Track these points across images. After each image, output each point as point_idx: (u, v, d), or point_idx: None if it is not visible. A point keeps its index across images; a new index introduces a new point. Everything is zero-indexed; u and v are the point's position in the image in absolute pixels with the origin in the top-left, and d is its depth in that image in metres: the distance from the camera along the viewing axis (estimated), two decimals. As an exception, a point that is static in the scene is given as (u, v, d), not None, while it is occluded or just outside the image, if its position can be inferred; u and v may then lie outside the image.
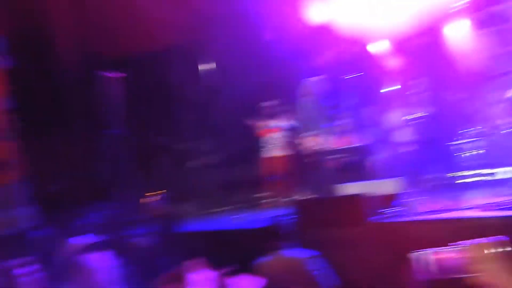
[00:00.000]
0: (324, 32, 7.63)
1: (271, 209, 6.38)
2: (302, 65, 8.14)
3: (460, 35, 7.26)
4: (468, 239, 1.35)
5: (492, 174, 5.72)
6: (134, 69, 7.59)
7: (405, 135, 6.75)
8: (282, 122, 7.40)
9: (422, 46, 7.46)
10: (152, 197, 6.08)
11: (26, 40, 6.12)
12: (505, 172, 5.61)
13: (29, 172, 5.49)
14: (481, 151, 6.00)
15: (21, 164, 5.44)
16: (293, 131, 7.35)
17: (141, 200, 6.23)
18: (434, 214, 4.41)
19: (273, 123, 7.41)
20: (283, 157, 7.29)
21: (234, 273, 1.21)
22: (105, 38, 7.36)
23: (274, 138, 7.37)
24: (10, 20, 5.49)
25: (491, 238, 1.30)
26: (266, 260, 3.50)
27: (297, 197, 6.42)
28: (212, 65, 8.71)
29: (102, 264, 2.86)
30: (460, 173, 5.97)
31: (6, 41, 5.41)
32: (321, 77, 7.37)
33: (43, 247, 4.25)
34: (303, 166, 7.11)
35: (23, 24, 6.10)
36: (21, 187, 5.34)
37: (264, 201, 7.21)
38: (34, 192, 5.44)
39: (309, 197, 6.29)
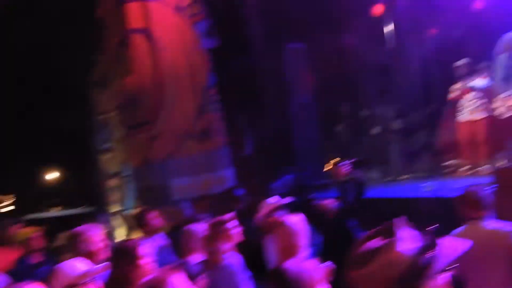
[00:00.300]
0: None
1: (466, 177, 5.89)
2: (500, 16, 7.10)
3: None
4: None
5: None
6: (315, 38, 7.75)
7: None
8: (478, 82, 6.63)
9: None
10: (337, 163, 6.22)
11: (224, 21, 6.78)
12: None
13: (229, 139, 6.21)
14: None
15: (223, 132, 6.18)
16: (491, 92, 6.53)
17: (326, 166, 6.44)
18: None
19: (467, 84, 6.70)
20: (480, 120, 6.57)
21: (438, 234, 1.19)
22: (286, 8, 7.63)
23: (469, 100, 6.67)
24: (211, 4, 6.17)
25: None
26: (462, 231, 3.29)
27: (497, 164, 5.77)
28: (392, 26, 8.27)
29: (295, 223, 3.08)
30: None
31: (208, 23, 6.13)
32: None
33: (243, 205, 4.80)
34: (503, 130, 6.30)
35: (221, 7, 6.77)
36: (224, 152, 6.09)
37: (458, 168, 6.67)
38: (233, 157, 6.15)
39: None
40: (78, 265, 2.36)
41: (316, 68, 7.51)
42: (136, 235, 6.46)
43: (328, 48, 7.90)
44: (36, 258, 3.98)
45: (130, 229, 7.10)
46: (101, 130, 8.17)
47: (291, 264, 1.92)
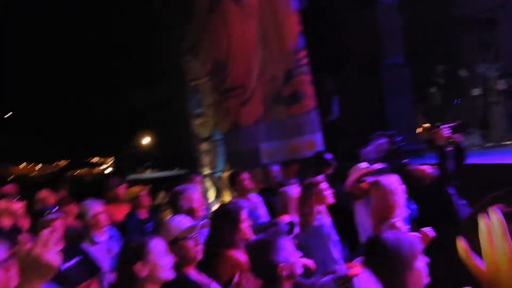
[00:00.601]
0: None
1: None
2: None
3: None
4: None
5: None
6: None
7: None
8: None
9: None
10: (430, 128, 5.90)
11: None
12: None
13: (318, 102, 6.12)
14: None
15: (312, 96, 6.10)
16: None
17: (420, 130, 6.14)
18: None
19: None
20: None
21: None
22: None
23: None
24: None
25: None
26: None
27: None
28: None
29: (391, 183, 2.98)
30: None
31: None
32: None
33: (332, 169, 4.76)
34: None
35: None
36: (313, 116, 6.03)
37: None
38: (322, 120, 6.07)
39: None
40: (184, 220, 2.52)
41: (410, 25, 7.03)
42: (227, 196, 6.76)
43: (423, 2, 7.35)
44: (143, 214, 4.32)
45: (220, 191, 7.42)
46: (193, 96, 8.49)
47: (390, 234, 1.86)
